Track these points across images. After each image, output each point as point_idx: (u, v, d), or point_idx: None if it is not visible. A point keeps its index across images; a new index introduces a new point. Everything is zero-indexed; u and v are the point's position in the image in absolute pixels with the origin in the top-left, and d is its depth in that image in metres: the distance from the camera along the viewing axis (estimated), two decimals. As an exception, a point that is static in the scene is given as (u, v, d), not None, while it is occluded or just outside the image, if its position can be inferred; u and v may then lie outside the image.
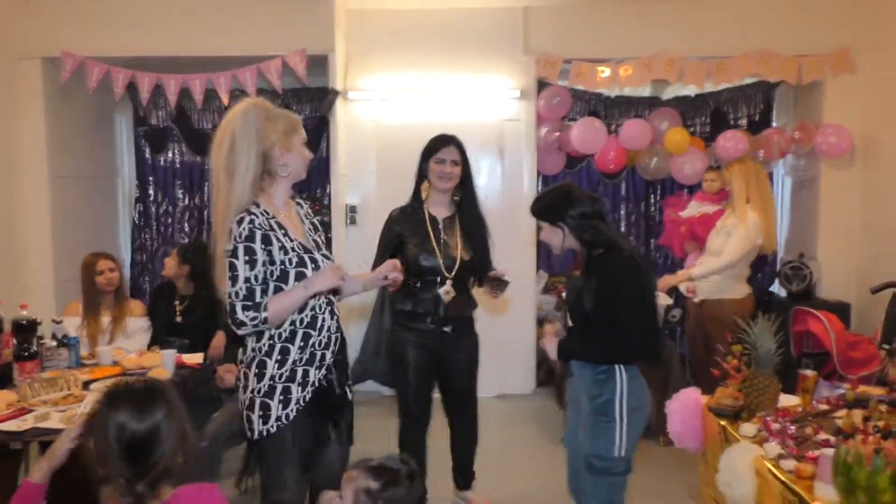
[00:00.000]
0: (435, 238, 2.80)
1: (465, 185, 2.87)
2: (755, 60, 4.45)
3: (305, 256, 2.02)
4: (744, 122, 5.00)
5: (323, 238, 2.19)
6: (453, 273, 2.78)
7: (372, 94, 4.61)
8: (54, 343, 2.89)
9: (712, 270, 3.66)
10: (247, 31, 4.37)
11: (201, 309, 3.47)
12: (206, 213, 5.19)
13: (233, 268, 1.92)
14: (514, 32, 4.61)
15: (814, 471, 1.87)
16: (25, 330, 2.76)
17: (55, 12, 4.36)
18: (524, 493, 3.33)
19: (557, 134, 4.74)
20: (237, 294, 1.92)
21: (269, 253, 1.95)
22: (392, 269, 2.26)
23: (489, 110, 4.67)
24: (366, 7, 4.62)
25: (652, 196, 5.23)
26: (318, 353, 2.05)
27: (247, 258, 1.92)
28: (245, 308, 1.91)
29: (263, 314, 1.92)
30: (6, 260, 4.33)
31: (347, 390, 2.18)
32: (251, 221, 1.93)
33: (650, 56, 4.48)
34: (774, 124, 4.97)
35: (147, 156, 5.17)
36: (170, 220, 5.20)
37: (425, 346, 2.82)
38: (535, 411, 4.50)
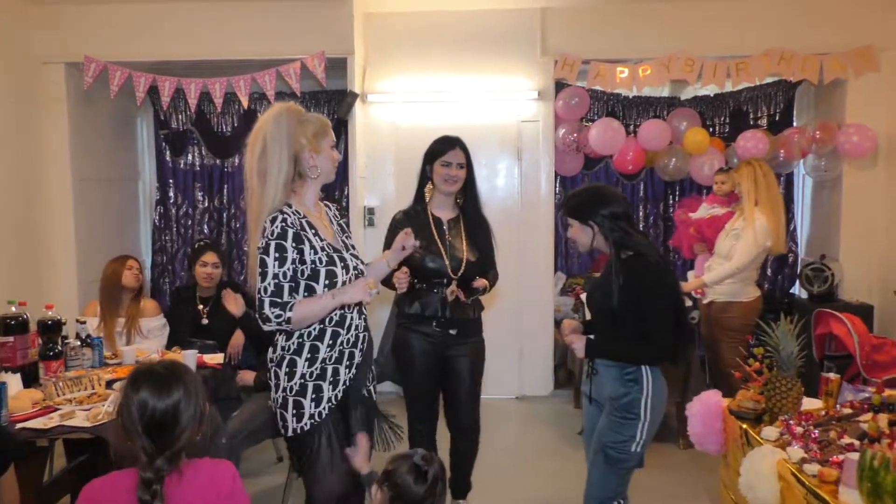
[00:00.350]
0: (440, 240, 2.77)
1: (468, 186, 2.84)
2: (775, 59, 4.39)
3: (335, 256, 2.06)
4: (764, 121, 4.94)
5: (351, 239, 2.22)
6: (459, 274, 2.75)
7: (390, 96, 4.64)
8: (78, 343, 2.95)
9: (723, 276, 3.63)
10: (266, 35, 4.42)
11: (225, 310, 3.49)
12: (224, 214, 5.25)
13: (263, 264, 1.97)
14: (532, 34, 4.61)
15: (838, 475, 1.85)
16: (50, 330, 2.82)
17: (78, 18, 4.43)
18: (541, 494, 3.32)
19: (575, 135, 4.72)
20: (265, 290, 1.96)
21: (301, 252, 1.99)
22: (406, 238, 2.28)
23: (507, 111, 4.66)
24: (384, 10, 4.64)
25: (671, 197, 5.18)
26: (347, 352, 2.09)
27: (277, 255, 1.96)
28: (272, 304, 1.95)
29: (288, 314, 1.95)
30: (31, 261, 4.41)
31: (372, 391, 2.21)
32: (283, 220, 1.98)
33: (669, 56, 4.45)
34: (795, 124, 4.92)
35: (167, 158, 5.25)
36: (189, 222, 5.26)
37: (431, 347, 2.78)
38: (553, 413, 4.49)
